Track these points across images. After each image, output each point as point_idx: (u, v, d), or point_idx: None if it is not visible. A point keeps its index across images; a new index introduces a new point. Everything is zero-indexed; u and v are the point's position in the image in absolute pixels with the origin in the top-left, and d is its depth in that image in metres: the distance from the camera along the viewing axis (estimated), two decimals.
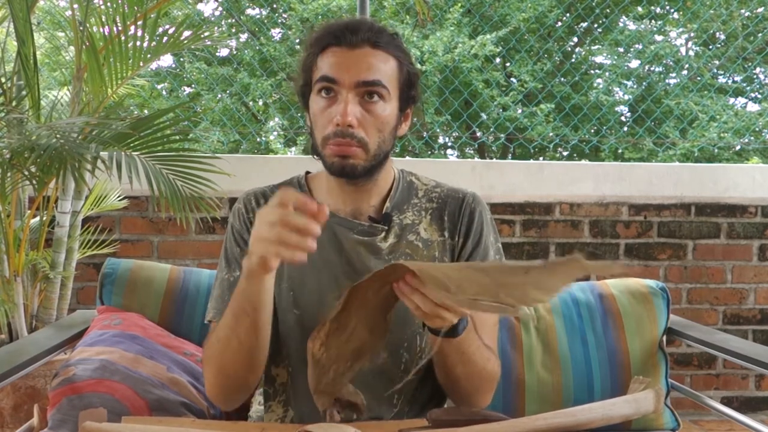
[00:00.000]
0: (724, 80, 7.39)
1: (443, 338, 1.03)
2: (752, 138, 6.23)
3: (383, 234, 1.22)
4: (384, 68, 1.16)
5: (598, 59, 7.63)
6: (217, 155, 2.17)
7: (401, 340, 1.20)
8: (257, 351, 1.11)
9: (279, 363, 1.23)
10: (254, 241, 0.98)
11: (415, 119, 1.28)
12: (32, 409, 1.83)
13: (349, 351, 1.00)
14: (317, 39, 1.18)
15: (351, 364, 1.01)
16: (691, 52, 7.48)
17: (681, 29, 7.38)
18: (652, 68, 7.01)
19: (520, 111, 6.18)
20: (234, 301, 1.09)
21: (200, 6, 6.14)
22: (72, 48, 2.41)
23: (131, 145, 1.94)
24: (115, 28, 2.20)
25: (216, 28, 6.33)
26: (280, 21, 7.20)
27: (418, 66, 5.88)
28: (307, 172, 1.32)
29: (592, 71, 7.60)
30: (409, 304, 0.95)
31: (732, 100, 6.86)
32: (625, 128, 6.63)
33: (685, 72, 7.16)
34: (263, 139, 5.86)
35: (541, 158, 7.07)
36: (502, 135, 5.42)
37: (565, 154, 6.97)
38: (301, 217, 0.93)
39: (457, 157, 6.88)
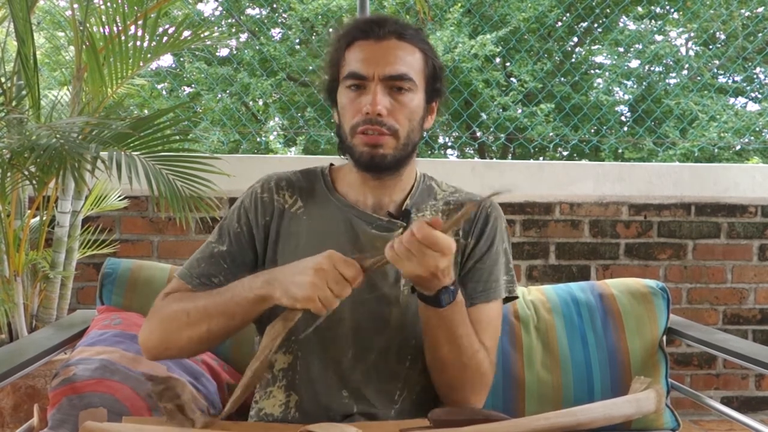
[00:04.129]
0: (724, 80, 7.38)
1: (431, 308, 1.10)
2: (752, 138, 6.23)
3: (400, 230, 1.23)
4: (410, 60, 1.18)
5: (598, 59, 7.62)
6: (216, 155, 2.17)
7: (408, 338, 1.22)
8: (217, 342, 1.19)
9: (278, 349, 1.24)
10: (309, 286, 1.04)
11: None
12: (32, 409, 1.83)
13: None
14: (344, 34, 1.20)
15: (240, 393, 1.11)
16: (691, 52, 7.47)
17: (681, 29, 7.38)
18: (652, 68, 7.00)
19: (520, 111, 6.18)
20: (228, 302, 1.12)
21: (200, 6, 6.16)
22: (72, 48, 2.41)
23: (131, 145, 1.94)
24: (115, 28, 2.20)
25: (216, 28, 6.32)
26: (280, 21, 7.20)
27: None
28: (331, 164, 1.33)
29: (592, 71, 7.60)
30: (404, 266, 1.03)
31: (732, 100, 6.86)
32: (625, 128, 6.62)
33: (685, 72, 7.15)
34: (263, 138, 5.86)
35: (541, 158, 7.06)
36: (502, 135, 5.42)
37: (565, 154, 6.97)
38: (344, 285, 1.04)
39: (457, 156, 6.88)
